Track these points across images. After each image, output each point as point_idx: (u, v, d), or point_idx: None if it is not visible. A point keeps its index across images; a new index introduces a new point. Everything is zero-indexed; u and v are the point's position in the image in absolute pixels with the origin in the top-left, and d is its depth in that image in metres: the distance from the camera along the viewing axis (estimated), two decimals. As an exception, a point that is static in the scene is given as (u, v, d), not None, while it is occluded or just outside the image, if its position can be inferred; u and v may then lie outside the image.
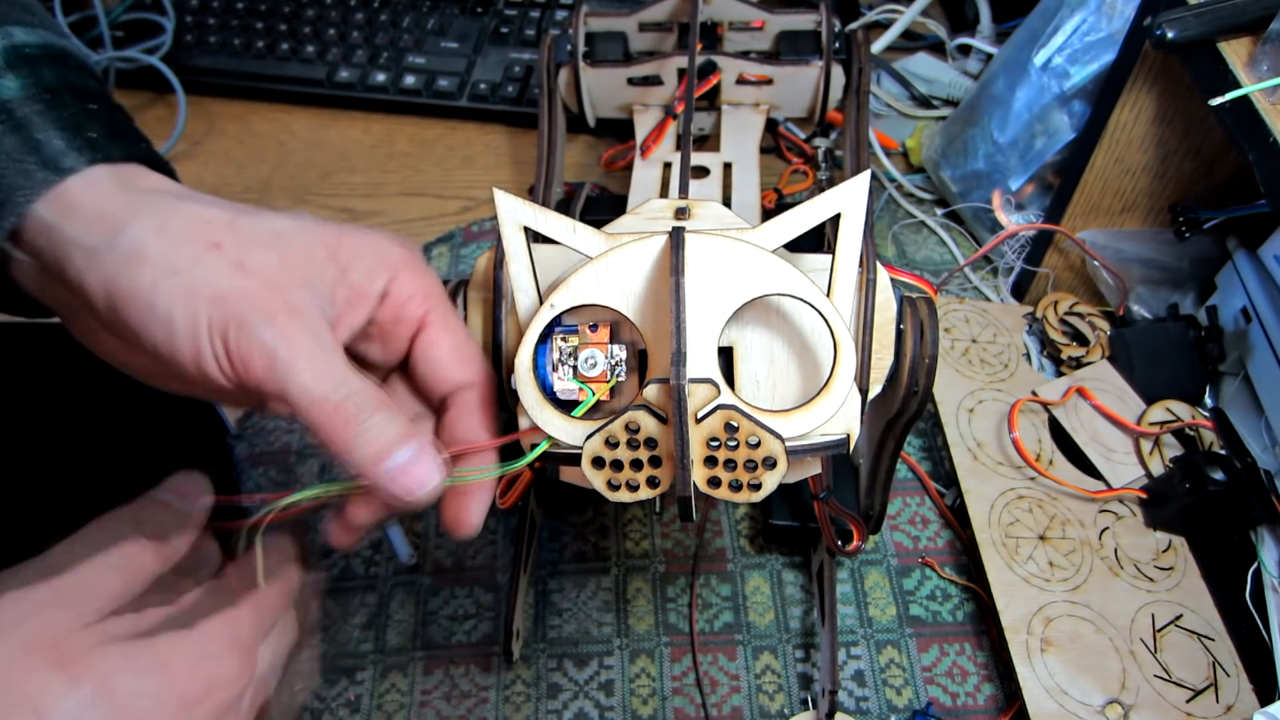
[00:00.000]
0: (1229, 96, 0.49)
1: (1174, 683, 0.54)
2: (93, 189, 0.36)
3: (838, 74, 0.69)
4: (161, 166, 0.40)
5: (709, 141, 0.72)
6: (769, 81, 0.70)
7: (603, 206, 0.71)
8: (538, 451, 0.38)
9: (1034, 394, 0.66)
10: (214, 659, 0.34)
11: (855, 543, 0.53)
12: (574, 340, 0.39)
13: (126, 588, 0.35)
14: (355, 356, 0.40)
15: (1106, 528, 0.60)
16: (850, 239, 0.37)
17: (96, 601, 0.34)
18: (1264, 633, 0.55)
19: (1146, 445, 0.63)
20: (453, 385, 0.40)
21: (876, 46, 0.94)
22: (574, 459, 0.36)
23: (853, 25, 0.92)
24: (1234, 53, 0.51)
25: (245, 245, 0.36)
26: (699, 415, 0.34)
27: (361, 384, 0.36)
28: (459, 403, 0.40)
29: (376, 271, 0.38)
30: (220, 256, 0.35)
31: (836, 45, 0.69)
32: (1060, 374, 0.69)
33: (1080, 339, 0.70)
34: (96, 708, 0.31)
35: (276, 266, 0.36)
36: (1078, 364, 0.68)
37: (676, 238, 0.35)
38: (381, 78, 0.91)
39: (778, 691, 0.58)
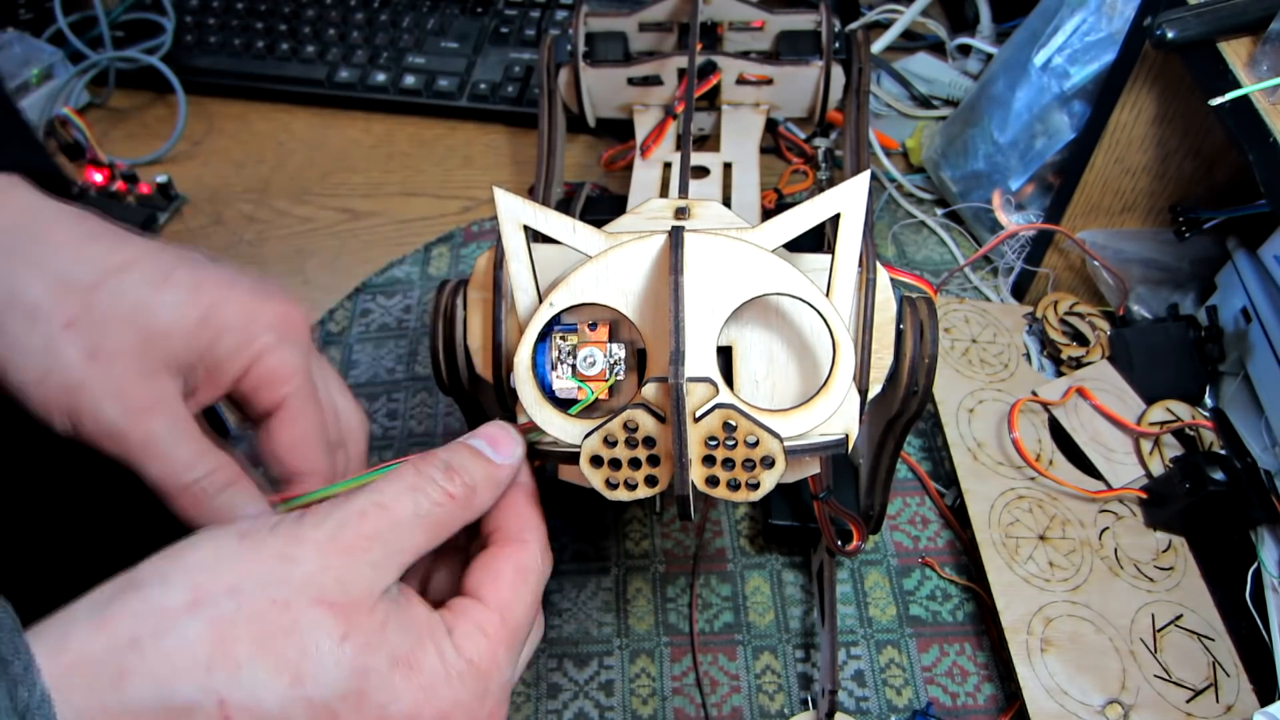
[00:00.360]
0: (1229, 96, 0.49)
1: (1174, 683, 0.54)
2: None
3: (838, 74, 0.69)
4: (46, 167, 0.41)
5: (709, 141, 0.72)
6: (769, 81, 0.70)
7: (603, 206, 0.71)
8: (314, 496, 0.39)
9: (1034, 394, 0.66)
10: (478, 679, 0.33)
11: (855, 543, 0.53)
12: (573, 339, 0.39)
13: (429, 541, 0.34)
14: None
15: (1106, 528, 0.60)
16: (850, 239, 0.37)
17: (399, 557, 0.32)
18: (1264, 633, 0.55)
19: (1146, 445, 0.63)
20: (286, 472, 0.41)
21: (876, 46, 0.94)
22: (572, 457, 0.36)
23: (853, 25, 0.92)
24: (1234, 53, 0.51)
25: (100, 324, 0.37)
26: (697, 414, 0.34)
27: (214, 461, 0.38)
28: (286, 413, 0.41)
29: (242, 348, 0.39)
30: (73, 338, 0.36)
31: (836, 45, 0.69)
32: (1060, 374, 0.69)
33: (1080, 339, 0.70)
34: (356, 678, 0.30)
35: (130, 352, 0.37)
36: (1078, 364, 0.68)
37: (676, 237, 0.35)
38: (381, 78, 0.91)
39: (778, 691, 0.58)
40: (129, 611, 0.28)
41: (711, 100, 0.71)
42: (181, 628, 0.28)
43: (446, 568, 0.39)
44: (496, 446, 0.37)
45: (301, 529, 0.31)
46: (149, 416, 0.37)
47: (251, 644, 0.28)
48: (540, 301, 0.38)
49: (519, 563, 0.35)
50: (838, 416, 0.37)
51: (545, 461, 0.40)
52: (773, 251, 0.37)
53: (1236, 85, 0.49)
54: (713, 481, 0.35)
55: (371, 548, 0.31)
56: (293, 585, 0.29)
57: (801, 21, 0.71)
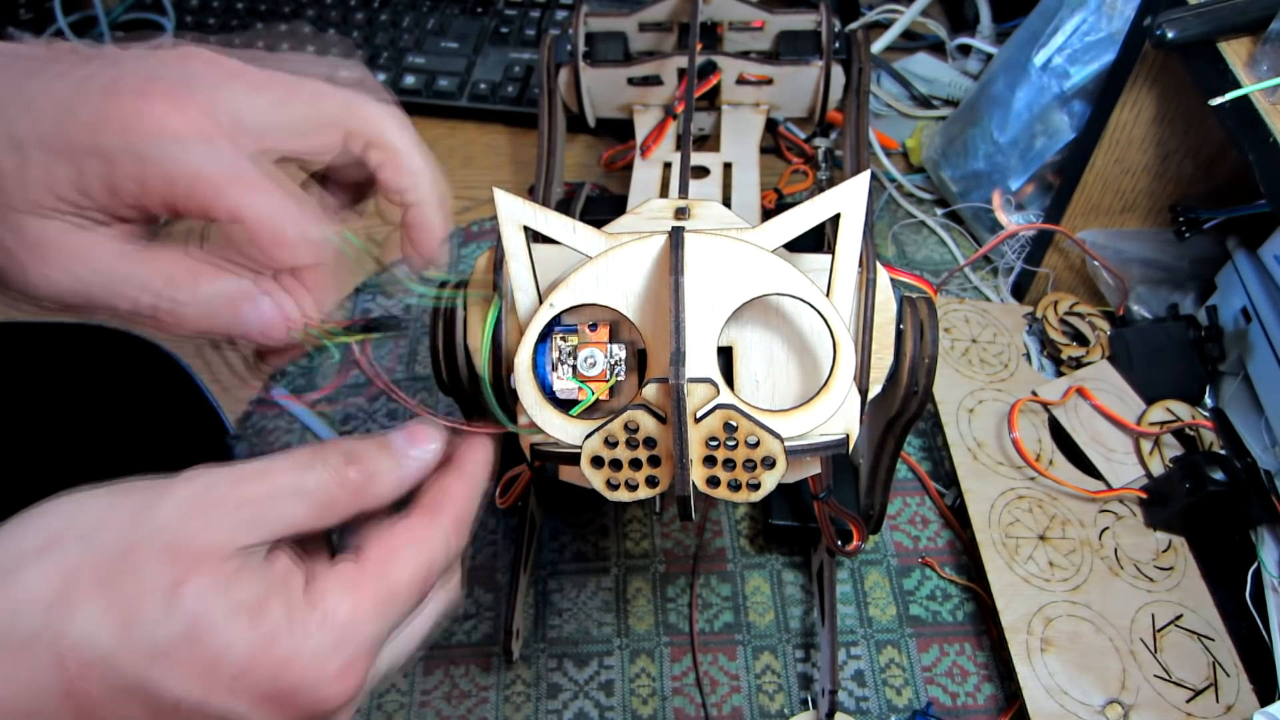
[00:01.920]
0: (1229, 96, 0.49)
1: (1174, 683, 0.54)
2: None
3: (838, 74, 0.69)
4: None
5: (709, 141, 0.72)
6: (769, 81, 0.70)
7: (603, 206, 0.71)
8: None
9: (1034, 394, 0.66)
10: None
11: (855, 542, 0.53)
12: (573, 340, 0.39)
13: (312, 519, 0.33)
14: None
15: (1106, 528, 0.60)
16: (850, 239, 0.37)
17: (271, 524, 0.31)
18: (1264, 633, 0.55)
19: (1146, 445, 0.63)
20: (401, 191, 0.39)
21: (876, 46, 0.94)
22: (573, 458, 0.36)
23: (853, 25, 0.92)
24: (1234, 53, 0.51)
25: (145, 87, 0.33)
26: (698, 415, 0.34)
27: (160, 274, 0.35)
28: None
29: (327, 135, 0.37)
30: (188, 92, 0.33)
31: (836, 45, 0.69)
32: (1060, 374, 0.69)
33: (1080, 339, 0.70)
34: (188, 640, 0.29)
35: (266, 105, 0.35)
36: (1078, 364, 0.68)
37: (676, 237, 0.35)
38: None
39: (778, 691, 0.58)
40: None
41: (711, 100, 0.71)
42: (29, 568, 0.28)
43: None
44: (413, 441, 0.36)
45: (172, 483, 0.31)
46: (62, 264, 0.34)
47: (91, 586, 0.28)
48: (540, 302, 0.38)
49: (417, 532, 0.34)
50: (838, 416, 0.37)
51: (546, 462, 0.40)
52: (773, 252, 0.37)
53: (1236, 85, 0.49)
54: (713, 482, 0.35)
55: (240, 509, 0.31)
56: (142, 532, 0.29)
57: (801, 21, 0.71)
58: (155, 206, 0.34)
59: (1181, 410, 0.64)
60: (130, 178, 0.33)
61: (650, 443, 0.35)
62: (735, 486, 0.35)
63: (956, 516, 0.64)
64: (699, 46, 0.69)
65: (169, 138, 0.33)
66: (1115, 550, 0.59)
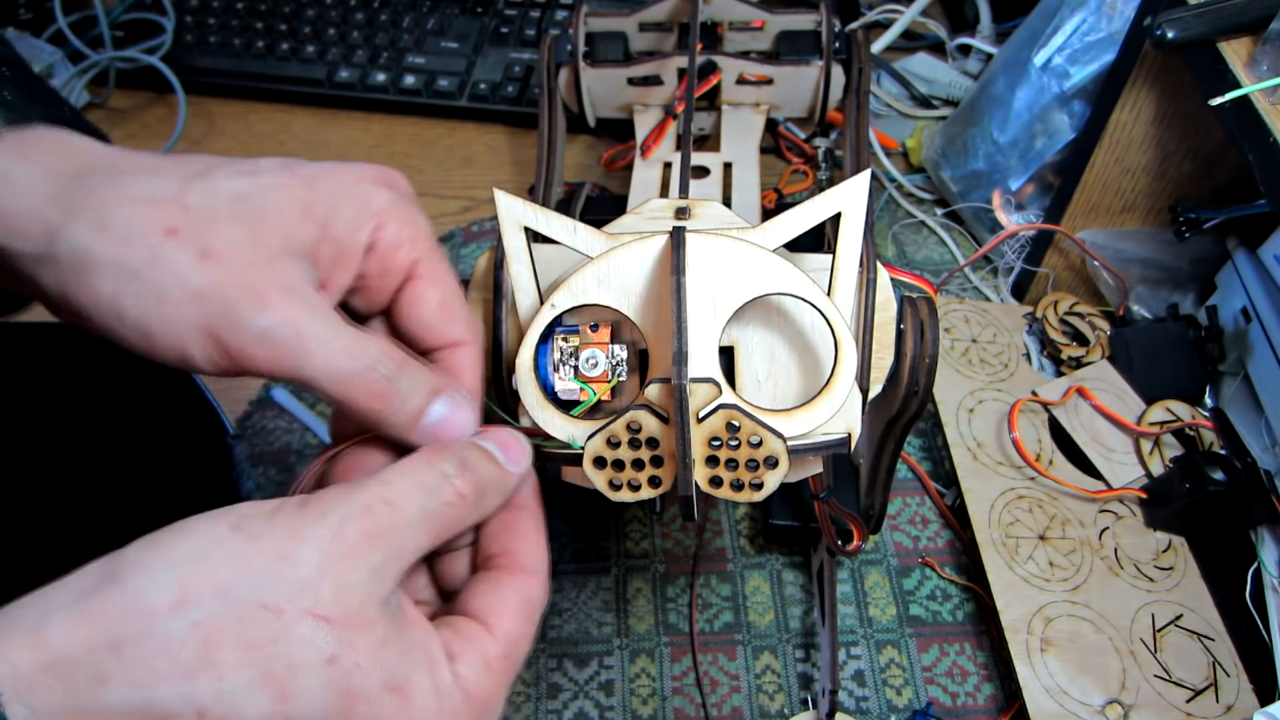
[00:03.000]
0: (1229, 96, 0.49)
1: (1174, 683, 0.54)
2: (12, 181, 0.32)
3: (838, 74, 0.69)
4: (84, 127, 0.36)
5: (709, 141, 0.72)
6: (769, 81, 0.70)
7: (603, 206, 0.71)
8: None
9: (1034, 394, 0.66)
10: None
11: (855, 542, 0.53)
12: (575, 340, 0.39)
13: (432, 543, 0.31)
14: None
15: (1106, 528, 0.60)
16: (850, 238, 0.37)
17: (401, 561, 0.30)
18: (1264, 633, 0.55)
19: (1146, 445, 0.63)
20: (440, 341, 0.37)
21: (876, 46, 0.94)
22: (575, 459, 0.36)
23: (853, 25, 0.92)
24: (1234, 53, 0.51)
25: (204, 223, 0.32)
26: (701, 415, 0.34)
27: (376, 347, 0.33)
28: (450, 363, 0.37)
29: (360, 223, 0.34)
30: (180, 245, 0.31)
31: (836, 45, 0.69)
32: (1060, 374, 0.69)
33: (1080, 339, 0.70)
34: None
35: (247, 243, 0.32)
36: (1078, 364, 0.68)
37: (677, 237, 0.35)
38: (381, 78, 0.91)
39: (778, 691, 0.58)
40: (112, 608, 0.26)
41: (711, 100, 0.71)
42: (165, 630, 0.26)
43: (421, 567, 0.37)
44: (507, 451, 0.34)
45: (302, 522, 0.28)
46: (292, 305, 0.32)
47: (237, 653, 0.26)
48: (541, 302, 0.38)
49: (528, 595, 0.33)
50: (840, 416, 0.37)
51: (548, 463, 0.40)
52: (773, 251, 0.37)
53: (1236, 85, 0.49)
54: (716, 482, 0.35)
55: (374, 550, 0.29)
56: (287, 590, 0.27)
57: (801, 21, 0.71)
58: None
59: (1181, 410, 0.64)
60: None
61: (653, 443, 0.35)
62: (738, 486, 0.35)
63: (956, 516, 0.64)
64: (699, 46, 0.69)
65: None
66: (1115, 550, 0.59)
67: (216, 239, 0.31)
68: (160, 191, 0.32)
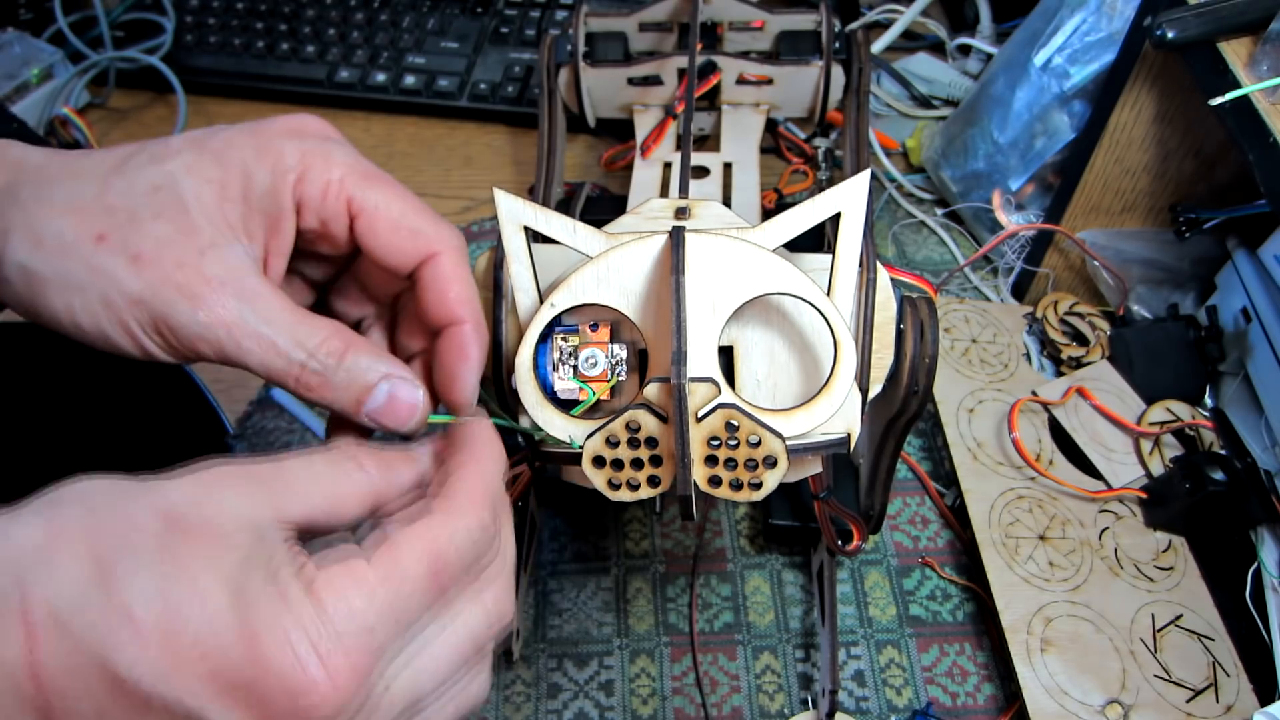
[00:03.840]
0: (1229, 96, 0.49)
1: (1174, 683, 0.54)
2: None
3: (838, 74, 0.69)
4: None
5: (709, 141, 0.72)
6: (769, 81, 0.70)
7: (603, 206, 0.71)
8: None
9: (1034, 394, 0.66)
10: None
11: (855, 542, 0.53)
12: (574, 340, 0.39)
13: (323, 509, 0.30)
14: (304, 259, 0.38)
15: (1106, 528, 0.60)
16: (850, 238, 0.37)
17: (277, 509, 0.29)
18: (1264, 633, 0.55)
19: (1146, 445, 0.63)
20: (408, 257, 0.36)
21: (876, 46, 0.94)
22: (575, 458, 0.36)
23: (853, 25, 0.92)
24: (1234, 53, 0.51)
25: (129, 225, 0.33)
26: (700, 414, 0.34)
27: (316, 335, 0.34)
28: (434, 273, 0.36)
29: (278, 184, 0.34)
30: (110, 251, 0.32)
31: (836, 45, 0.69)
32: (1060, 374, 0.69)
33: (1080, 339, 0.70)
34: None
35: (172, 239, 0.33)
36: (1078, 364, 0.68)
37: (677, 237, 0.35)
38: (381, 78, 0.91)
39: (778, 691, 0.58)
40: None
41: (711, 100, 0.71)
42: (19, 526, 0.26)
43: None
44: (430, 435, 0.35)
45: (185, 466, 0.29)
46: (223, 301, 0.32)
47: (79, 546, 0.26)
48: (541, 302, 0.38)
49: (424, 520, 0.31)
50: (839, 415, 0.37)
51: (548, 463, 0.40)
52: (773, 251, 0.37)
53: (1236, 85, 0.49)
54: (715, 481, 0.35)
55: (251, 489, 0.29)
56: (143, 501, 0.27)
57: (801, 21, 0.71)
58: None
59: (1181, 410, 0.64)
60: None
61: (652, 442, 0.35)
62: (737, 486, 0.35)
63: (956, 516, 0.64)
64: (699, 46, 0.69)
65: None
66: (1115, 550, 0.59)
67: (143, 240, 0.32)
68: (82, 196, 0.33)
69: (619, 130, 0.79)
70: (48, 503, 0.27)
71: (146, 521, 0.27)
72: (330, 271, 0.40)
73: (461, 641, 0.32)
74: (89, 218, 0.33)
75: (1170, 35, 0.52)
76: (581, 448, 0.35)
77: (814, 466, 0.44)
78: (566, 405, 0.38)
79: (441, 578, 0.30)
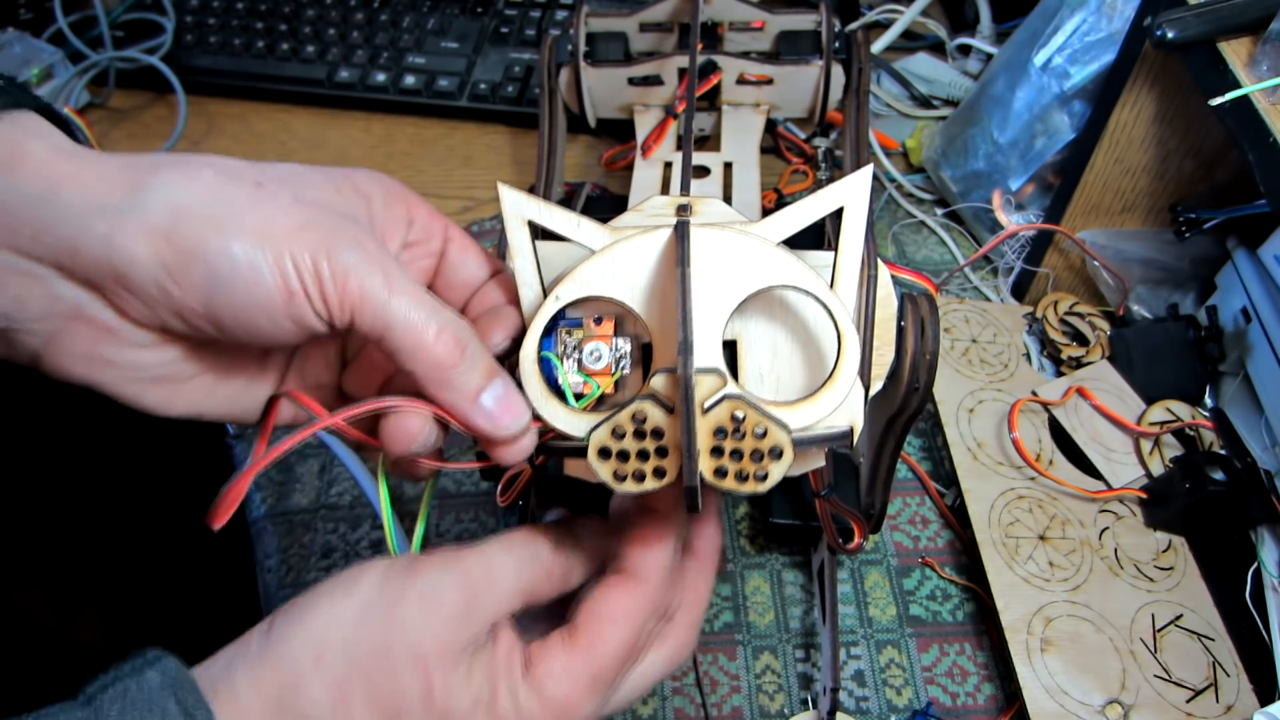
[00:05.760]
0: (1229, 96, 0.49)
1: (1174, 683, 0.54)
2: (46, 148, 0.33)
3: (838, 74, 0.69)
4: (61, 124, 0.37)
5: (709, 141, 0.72)
6: (769, 81, 0.70)
7: (603, 206, 0.71)
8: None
9: (1034, 394, 0.66)
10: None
11: (856, 540, 0.52)
12: (579, 333, 0.39)
13: (519, 607, 0.37)
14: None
15: (1106, 528, 0.60)
16: (853, 233, 0.37)
17: (492, 617, 0.36)
18: (1264, 633, 0.55)
19: (1146, 445, 0.63)
20: (479, 284, 0.41)
21: (876, 46, 0.94)
22: (580, 451, 0.36)
23: (853, 25, 0.92)
24: (1234, 53, 0.51)
25: (285, 182, 0.34)
26: (706, 405, 0.34)
27: (452, 311, 0.35)
28: (486, 303, 0.40)
29: (393, 203, 0.38)
30: (271, 194, 0.33)
31: (836, 45, 0.69)
32: (1060, 374, 0.69)
33: (1080, 339, 0.70)
34: None
35: (329, 200, 0.35)
36: (1078, 364, 0.68)
37: (681, 230, 0.35)
38: (381, 78, 0.91)
39: (778, 691, 0.58)
40: (271, 667, 0.33)
41: (712, 100, 0.71)
42: (310, 682, 0.32)
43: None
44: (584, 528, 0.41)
45: (404, 588, 0.34)
46: (379, 249, 0.34)
47: (363, 697, 0.33)
48: (545, 296, 0.38)
49: (618, 600, 0.37)
50: (843, 409, 0.37)
51: (550, 457, 0.40)
52: (776, 246, 0.37)
53: (1236, 85, 0.49)
54: (721, 473, 0.35)
55: (467, 614, 0.35)
56: (396, 647, 0.33)
57: (801, 21, 0.71)
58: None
59: (1181, 410, 0.64)
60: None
61: (657, 434, 0.35)
62: (742, 477, 0.35)
63: (956, 516, 0.64)
64: (699, 46, 0.69)
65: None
66: (1115, 550, 0.59)
67: (306, 190, 0.34)
68: (232, 164, 0.34)
69: (619, 130, 0.79)
70: (316, 651, 0.33)
71: (404, 667, 0.33)
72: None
73: (645, 685, 0.40)
74: (245, 175, 0.33)
75: (1170, 35, 0.52)
76: (587, 440, 0.35)
77: (817, 460, 0.44)
78: (572, 398, 0.38)
79: (634, 647, 0.38)
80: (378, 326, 0.33)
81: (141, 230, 0.31)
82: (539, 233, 0.39)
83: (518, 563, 0.37)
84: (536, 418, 0.37)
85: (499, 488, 0.46)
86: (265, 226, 0.32)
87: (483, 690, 0.34)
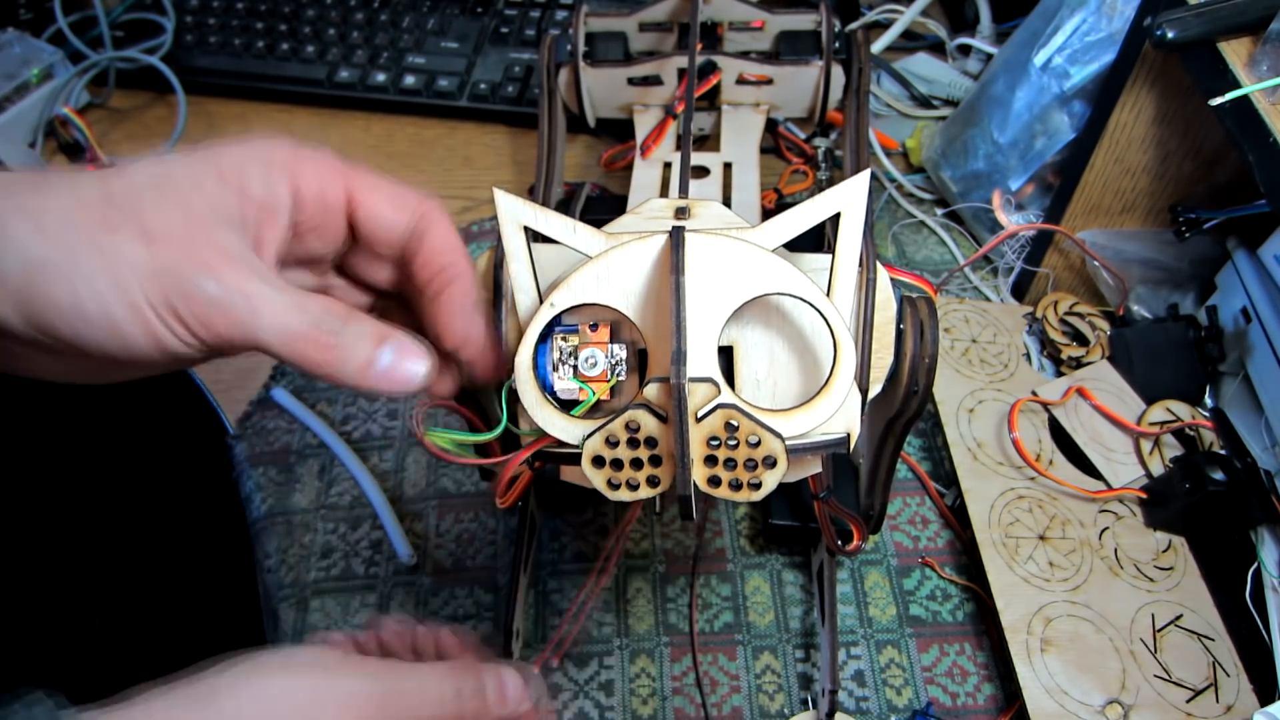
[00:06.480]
0: (1229, 96, 0.49)
1: (1174, 683, 0.54)
2: None
3: (838, 74, 0.69)
4: None
5: (709, 141, 0.72)
6: (769, 81, 0.70)
7: (603, 206, 0.71)
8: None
9: (1034, 394, 0.66)
10: None
11: (855, 542, 0.53)
12: (574, 340, 0.39)
13: None
14: (297, 259, 0.39)
15: (1106, 528, 0.60)
16: (850, 238, 0.37)
17: None
18: (1264, 633, 0.55)
19: (1146, 445, 0.63)
20: (403, 225, 0.39)
21: (876, 46, 0.94)
22: (574, 458, 0.36)
23: (853, 25, 0.92)
24: (1234, 53, 0.51)
25: (134, 210, 0.33)
26: (699, 414, 0.34)
27: (318, 304, 0.35)
28: (446, 291, 0.39)
29: (274, 178, 0.36)
30: (120, 233, 0.32)
31: (836, 45, 0.69)
32: (1060, 374, 0.69)
33: (1080, 339, 0.70)
34: None
35: (181, 219, 0.33)
36: (1078, 364, 0.68)
37: (677, 237, 0.35)
38: (381, 78, 0.91)
39: (778, 691, 0.58)
40: None
41: (711, 100, 0.71)
42: None
43: None
44: (503, 690, 0.42)
45: (332, 689, 0.37)
46: (237, 271, 0.33)
47: None
48: (541, 302, 0.38)
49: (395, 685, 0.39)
50: (839, 416, 0.37)
51: (547, 463, 0.40)
52: (773, 251, 0.37)
53: (1236, 85, 0.49)
54: (714, 481, 0.35)
55: (378, 715, 0.37)
56: None
57: (801, 21, 0.71)
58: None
59: (1181, 410, 0.64)
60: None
61: (651, 442, 0.35)
62: (736, 486, 0.35)
63: (956, 516, 0.64)
64: (699, 46, 0.69)
65: None
66: (1115, 550, 0.59)
67: (152, 220, 0.32)
68: (82, 191, 0.33)
69: (619, 130, 0.79)
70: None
71: None
72: (315, 281, 0.41)
73: None
74: (92, 207, 0.32)
75: (1170, 35, 0.52)
76: (580, 448, 0.35)
77: (814, 466, 0.44)
78: (566, 405, 0.38)
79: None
80: (252, 344, 0.34)
81: (3, 292, 0.31)
82: (536, 236, 0.39)
83: (438, 699, 0.39)
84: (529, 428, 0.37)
85: (498, 490, 0.46)
86: (114, 276, 0.32)
87: None
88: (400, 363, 0.35)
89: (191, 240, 0.33)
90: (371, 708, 0.37)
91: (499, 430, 0.39)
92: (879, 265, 0.41)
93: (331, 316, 0.34)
